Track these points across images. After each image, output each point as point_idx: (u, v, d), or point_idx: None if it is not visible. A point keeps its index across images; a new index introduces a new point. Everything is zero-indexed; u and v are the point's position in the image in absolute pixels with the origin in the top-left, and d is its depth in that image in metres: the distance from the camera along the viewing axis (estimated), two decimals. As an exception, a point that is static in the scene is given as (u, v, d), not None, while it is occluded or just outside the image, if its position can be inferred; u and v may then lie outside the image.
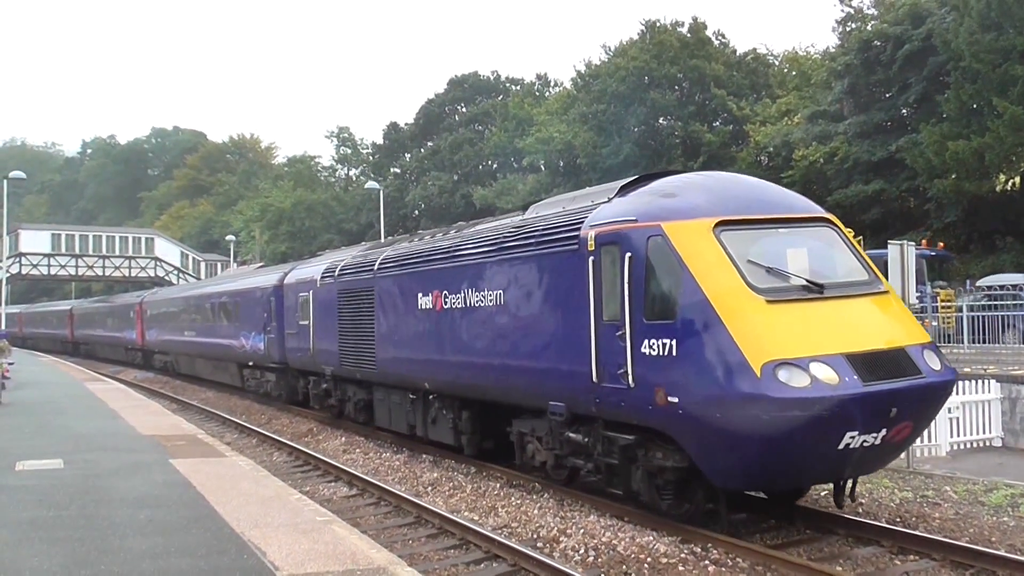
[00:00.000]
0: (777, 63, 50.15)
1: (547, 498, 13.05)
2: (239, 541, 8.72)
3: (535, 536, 11.11)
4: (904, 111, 36.76)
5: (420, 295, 15.83)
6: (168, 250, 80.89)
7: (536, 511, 12.22)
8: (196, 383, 37.03)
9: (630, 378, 10.40)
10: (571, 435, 12.03)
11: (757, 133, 41.07)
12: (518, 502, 12.89)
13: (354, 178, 77.87)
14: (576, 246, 11.49)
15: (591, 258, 11.13)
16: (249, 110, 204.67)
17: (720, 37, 50.01)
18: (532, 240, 12.67)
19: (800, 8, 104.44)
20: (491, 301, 13.54)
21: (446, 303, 14.92)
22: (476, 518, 12.18)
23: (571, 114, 49.59)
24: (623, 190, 11.67)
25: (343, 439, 20.17)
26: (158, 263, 76.67)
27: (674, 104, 46.10)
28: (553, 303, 12.07)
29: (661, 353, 10.02)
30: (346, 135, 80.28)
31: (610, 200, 11.57)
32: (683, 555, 9.97)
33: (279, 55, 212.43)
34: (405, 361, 16.63)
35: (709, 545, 10.30)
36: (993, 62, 27.67)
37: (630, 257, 10.46)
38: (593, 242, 11.16)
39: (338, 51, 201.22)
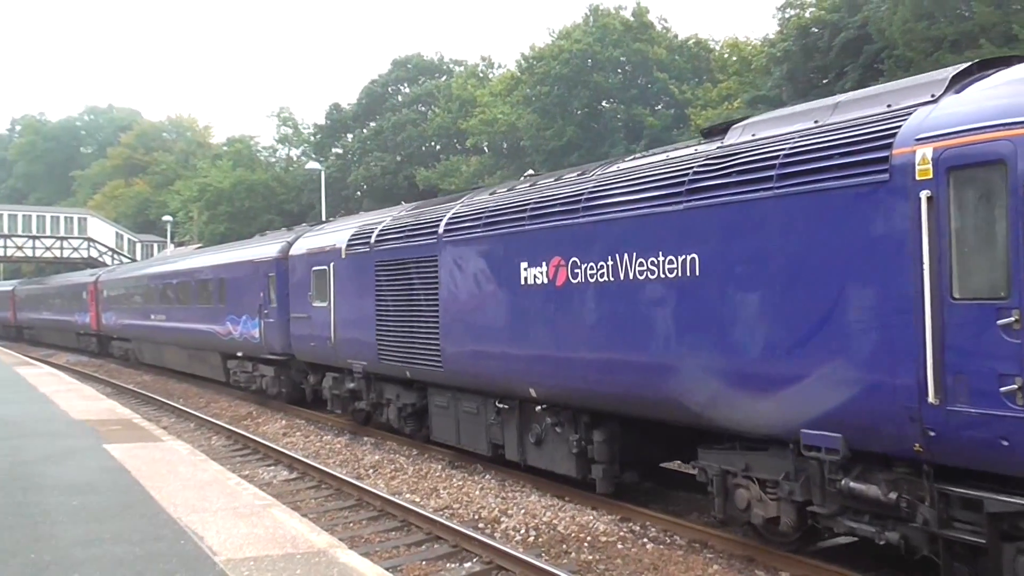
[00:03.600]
0: (718, 49, 50.07)
1: (489, 479, 13.08)
2: (176, 527, 8.52)
3: (477, 517, 11.20)
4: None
5: (524, 265, 11.31)
6: (102, 230, 78.37)
7: (478, 492, 12.34)
8: (167, 376, 32.14)
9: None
10: (854, 485, 7.64)
11: (699, 117, 40.46)
12: (460, 483, 12.93)
13: (295, 158, 76.86)
14: (882, 175, 7.11)
15: (923, 193, 6.80)
16: (187, 90, 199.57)
17: (663, 21, 50.44)
18: (761, 175, 8.18)
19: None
20: (671, 272, 9.07)
21: (573, 276, 10.45)
22: (418, 500, 12.16)
23: (515, 96, 49.30)
24: (959, 81, 7.35)
25: (283, 422, 19.95)
26: (91, 244, 74.22)
27: (617, 87, 46.27)
28: (816, 272, 7.67)
29: None
30: (287, 115, 79.05)
31: (937, 98, 7.26)
32: (622, 533, 10.14)
33: (217, 34, 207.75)
34: (494, 358, 12.06)
35: (648, 523, 10.48)
36: (925, 50, 28.12)
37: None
38: (928, 166, 6.91)
39: (279, 31, 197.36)
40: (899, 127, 7.19)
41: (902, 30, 28.81)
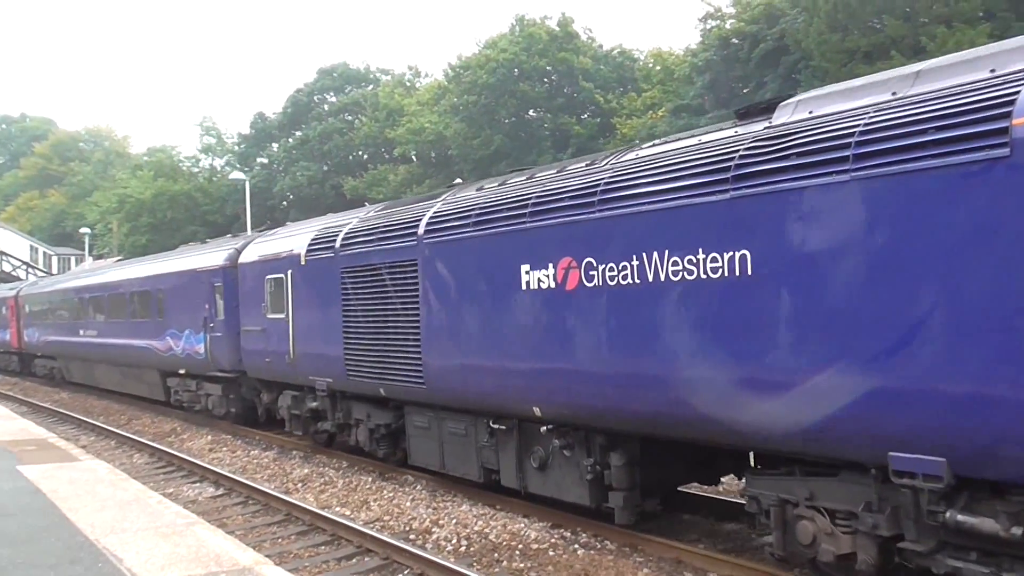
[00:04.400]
0: (642, 59, 51.52)
1: (420, 490, 13.07)
2: (94, 549, 8.21)
3: (408, 528, 11.16)
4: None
5: (526, 268, 9.95)
6: (15, 243, 75.32)
7: (409, 503, 12.32)
8: (86, 392, 30.17)
9: None
10: (963, 518, 6.43)
11: (624, 126, 41.85)
12: (391, 495, 12.87)
13: (219, 169, 75.24)
14: (1000, 150, 5.97)
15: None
16: (104, 99, 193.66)
17: (588, 32, 51.43)
18: (831, 156, 6.97)
19: (665, 7, 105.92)
20: (714, 271, 7.82)
21: (588, 279, 9.12)
22: (348, 513, 12.09)
23: (442, 105, 49.93)
24: None
25: (209, 438, 19.53)
26: (4, 258, 71.21)
27: (543, 96, 47.04)
28: (909, 267, 6.44)
29: None
30: (210, 124, 77.50)
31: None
32: (553, 540, 10.21)
33: (136, 42, 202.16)
34: (488, 373, 10.68)
35: (579, 529, 10.50)
36: (840, 61, 29.00)
37: None
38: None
39: (200, 40, 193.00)
40: (1019, 92, 5.99)
41: (818, 42, 30.05)
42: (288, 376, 16.12)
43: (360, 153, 62.65)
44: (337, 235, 14.18)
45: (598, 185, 9.21)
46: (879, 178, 6.64)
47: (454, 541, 10.43)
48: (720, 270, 7.81)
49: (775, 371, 7.39)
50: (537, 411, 10.10)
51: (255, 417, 19.47)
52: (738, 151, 7.85)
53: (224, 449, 18.03)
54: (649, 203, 8.52)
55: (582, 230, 9.27)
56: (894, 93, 7.09)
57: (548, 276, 9.69)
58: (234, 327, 18.32)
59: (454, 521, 11.14)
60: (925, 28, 26.53)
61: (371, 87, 67.37)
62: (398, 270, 12.36)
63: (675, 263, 8.22)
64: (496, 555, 9.89)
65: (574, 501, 10.24)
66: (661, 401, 8.44)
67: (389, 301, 12.60)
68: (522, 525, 10.74)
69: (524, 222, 10.05)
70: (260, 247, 17.47)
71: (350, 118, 64.68)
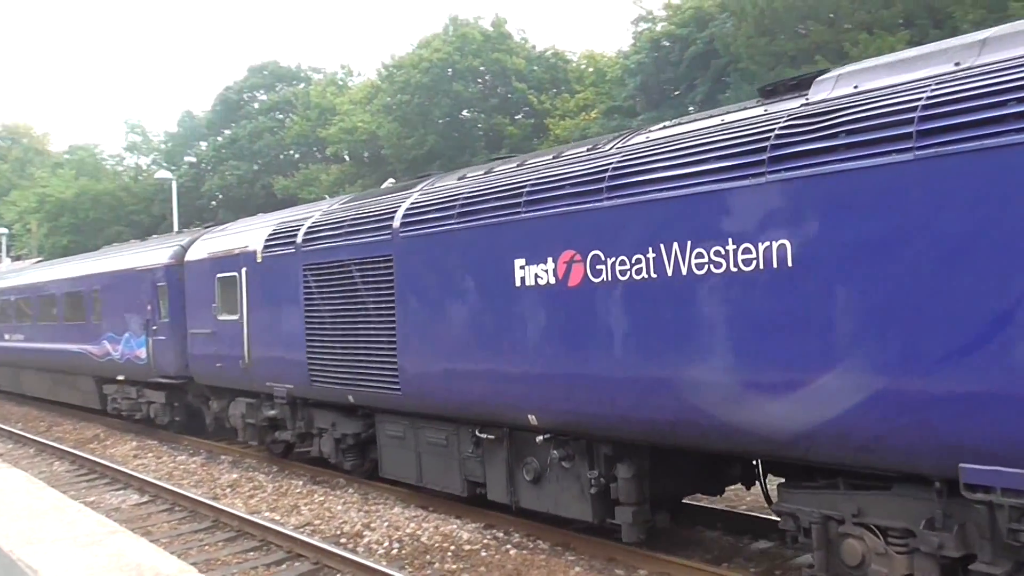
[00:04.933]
0: (575, 60, 51.22)
1: (351, 493, 12.99)
2: (7, 560, 7.80)
3: (339, 532, 11.06)
4: (691, 108, 37.82)
5: (520, 262, 9.03)
6: (-75, 245, 72.41)
7: (340, 507, 12.22)
8: (18, 402, 28.17)
9: None
10: None
11: (557, 127, 41.79)
12: (321, 499, 12.77)
13: (145, 168, 73.11)
14: None
15: None
16: (22, 96, 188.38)
17: (521, 32, 51.19)
18: (890, 134, 6.21)
19: (598, 10, 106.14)
20: (746, 264, 7.02)
21: (595, 273, 8.25)
22: (277, 518, 11.95)
23: (375, 104, 49.23)
24: None
25: (134, 443, 19.04)
26: (-85, 260, 68.17)
27: (477, 96, 46.72)
28: (990, 255, 5.71)
29: None
30: (135, 122, 75.49)
31: None
32: (486, 540, 10.23)
33: (56, 37, 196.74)
34: (476, 378, 9.75)
35: (512, 529, 10.51)
36: (768, 64, 29.58)
37: None
38: None
39: (124, 35, 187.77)
40: None
41: (746, 45, 30.59)
42: (242, 382, 14.95)
43: (291, 152, 61.10)
44: (298, 229, 13.10)
45: (606, 171, 8.37)
46: (951, 156, 5.91)
47: (386, 544, 10.34)
48: (754, 262, 7.02)
49: (821, 373, 6.63)
50: (533, 419, 9.21)
51: (202, 426, 18.22)
52: (773, 131, 7.08)
53: (149, 455, 17.54)
54: (668, 189, 7.71)
55: (588, 220, 8.41)
56: (957, 64, 6.37)
57: (547, 271, 8.81)
58: (180, 330, 17.06)
59: (386, 524, 11.10)
60: (848, 34, 27.18)
61: (302, 85, 65.87)
62: (370, 266, 11.35)
63: (699, 255, 7.42)
64: (428, 557, 9.84)
65: (574, 517, 9.37)
66: (682, 408, 7.62)
67: (359, 300, 11.57)
68: (455, 526, 10.78)
69: (519, 212, 9.16)
70: (209, 244, 16.25)
71: (281, 117, 63.06)
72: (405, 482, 11.89)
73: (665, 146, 8.01)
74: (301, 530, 11.10)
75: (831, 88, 7.18)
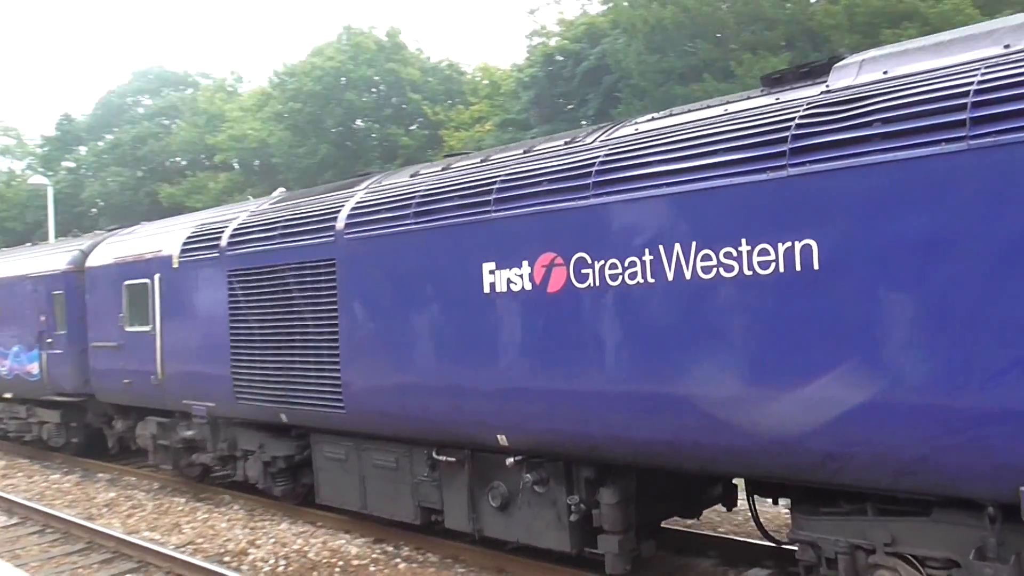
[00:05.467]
0: (470, 72, 52.06)
1: (236, 510, 12.75)
2: None
3: (223, 550, 10.81)
4: (584, 123, 39.59)
5: (490, 267, 8.17)
6: None
7: (224, 524, 12.00)
8: None
9: None
10: None
11: (451, 138, 41.89)
12: (204, 516, 12.53)
13: (19, 173, 69.80)
14: None
15: None
16: None
17: (416, 43, 52.86)
18: (935, 122, 5.61)
19: (494, 23, 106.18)
20: (763, 266, 6.31)
21: (579, 278, 7.46)
22: (158, 537, 11.63)
23: (265, 112, 48.78)
24: None
25: (2, 463, 18.15)
26: None
27: (371, 106, 46.83)
28: None
29: None
30: (7, 124, 72.09)
31: None
32: (375, 555, 10.16)
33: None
34: (439, 394, 8.76)
35: (402, 543, 10.46)
36: (657, 81, 30.54)
37: None
38: None
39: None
40: None
41: (636, 62, 31.49)
42: (154, 400, 13.58)
43: (178, 159, 59.26)
44: (222, 232, 11.89)
45: (592, 165, 7.58)
46: (1014, 145, 5.29)
47: (271, 562, 10.16)
48: (772, 264, 6.33)
49: (853, 388, 5.97)
50: (503, 439, 8.32)
51: (104, 447, 16.67)
52: (793, 120, 6.41)
53: (19, 475, 16.76)
54: (669, 185, 6.96)
55: (570, 219, 7.61)
56: (1007, 46, 5.80)
57: (522, 276, 7.96)
58: (79, 343, 15.53)
59: (272, 540, 10.97)
60: (734, 53, 28.06)
61: (190, 91, 64.26)
62: (309, 272, 10.28)
63: (706, 257, 6.69)
64: (316, 573, 9.73)
65: (548, 547, 8.50)
66: (685, 426, 6.87)
67: (295, 309, 10.49)
68: (343, 541, 10.73)
69: (488, 211, 8.28)
70: (115, 248, 14.81)
71: (167, 122, 61.52)
72: (347, 509, 10.85)
73: (664, 138, 7.27)
74: (182, 549, 10.78)
75: (855, 74, 6.55)
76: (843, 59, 6.90)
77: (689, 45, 30.53)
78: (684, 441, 6.94)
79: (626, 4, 34.05)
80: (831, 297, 6.06)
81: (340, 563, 9.89)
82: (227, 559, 10.42)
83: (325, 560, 10.04)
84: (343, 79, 45.75)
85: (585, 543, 8.22)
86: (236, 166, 52.03)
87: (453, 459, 9.13)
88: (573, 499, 8.10)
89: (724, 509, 9.12)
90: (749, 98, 7.29)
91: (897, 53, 6.47)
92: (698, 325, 6.76)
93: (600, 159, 7.55)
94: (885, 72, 6.32)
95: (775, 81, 7.28)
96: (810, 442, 6.24)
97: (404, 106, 46.92)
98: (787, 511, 10.23)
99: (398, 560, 9.89)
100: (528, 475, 8.34)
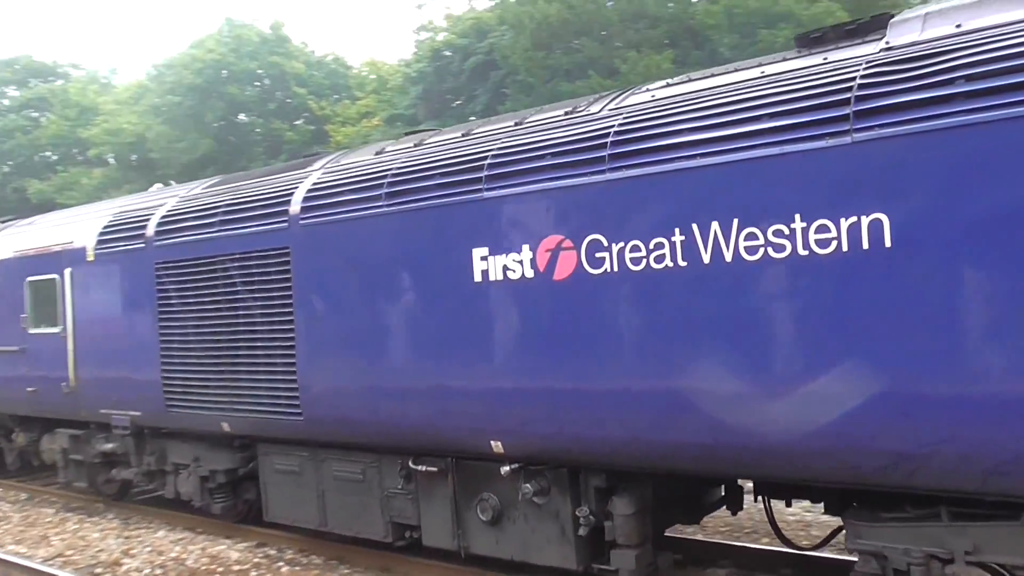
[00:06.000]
0: (357, 67, 52.25)
1: (111, 519, 12.30)
2: None
3: (95, 562, 10.33)
4: (472, 118, 41.83)
5: (481, 252, 7.23)
6: None
7: (97, 534, 11.52)
8: None
9: None
10: None
11: (338, 133, 41.64)
12: (75, 527, 12.00)
13: None
14: None
15: None
16: None
17: (301, 36, 52.02)
18: None
19: (382, 18, 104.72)
20: (822, 245, 5.57)
21: (593, 263, 6.60)
22: (24, 551, 11.03)
23: (143, 105, 47.52)
24: None
25: None
26: None
27: (255, 100, 46.13)
28: None
29: None
30: None
31: None
32: (257, 560, 9.91)
33: None
34: (420, 397, 7.76)
35: (284, 546, 10.26)
36: (544, 77, 30.97)
37: None
38: None
39: None
40: None
41: (524, 58, 31.87)
42: (65, 410, 12.11)
43: (48, 154, 56.78)
44: (148, 220, 10.56)
45: (607, 135, 6.73)
46: None
47: (147, 571, 9.79)
48: (833, 243, 5.60)
49: (936, 380, 5.29)
50: (498, 446, 7.40)
51: (1, 463, 14.96)
52: (854, 79, 5.68)
53: None
54: (703, 155, 6.16)
55: (582, 197, 6.74)
56: None
57: (521, 262, 7.05)
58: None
59: (148, 549, 10.54)
60: (619, 51, 28.70)
61: (60, 82, 61.32)
62: (257, 262, 9.11)
63: (752, 236, 5.92)
64: None
65: (552, 564, 7.60)
66: (727, 427, 6.09)
67: (240, 305, 9.30)
68: (224, 546, 10.39)
69: (479, 191, 7.34)
70: (16, 239, 13.22)
71: (36, 115, 58.57)
72: (301, 527, 9.77)
73: (697, 103, 6.46)
74: (51, 562, 10.29)
75: (919, 29, 5.87)
76: (897, 14, 6.22)
77: (575, 42, 30.98)
78: (725, 444, 6.17)
79: (513, 0, 34.48)
80: (906, 277, 5.37)
81: (220, 569, 9.58)
82: (99, 570, 9.96)
83: (204, 567, 9.70)
84: (224, 72, 44.72)
85: (593, 559, 7.37)
86: (112, 161, 50.08)
87: (435, 469, 8.13)
88: (582, 511, 7.25)
89: (730, 514, 8.37)
90: (786, 59, 6.54)
91: (970, 5, 5.79)
92: (741, 312, 5.99)
93: (616, 128, 6.70)
94: (958, 26, 5.65)
95: (815, 41, 6.57)
96: (880, 442, 5.54)
97: (289, 100, 46.24)
98: (802, 514, 9.71)
99: (281, 563, 9.67)
100: (527, 485, 7.42)
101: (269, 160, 40.54)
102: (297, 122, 46.45)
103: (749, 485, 7.86)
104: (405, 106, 40.56)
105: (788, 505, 7.91)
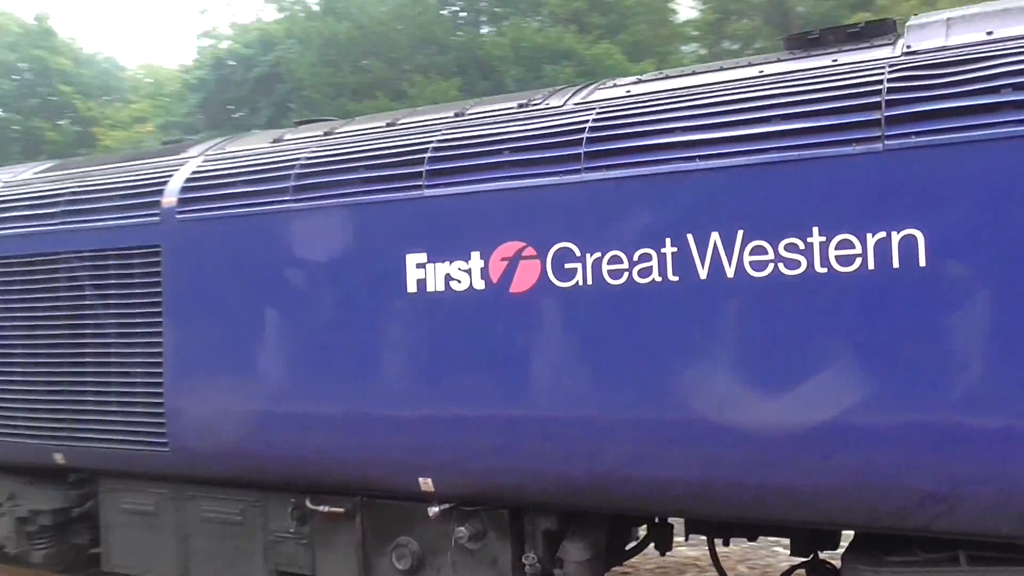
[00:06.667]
0: (132, 69, 51.74)
1: None
2: None
3: None
4: (254, 131, 40.63)
5: (418, 259, 6.26)
6: None
7: None
8: None
9: None
10: None
11: (107, 137, 40.61)
12: None
13: None
14: None
15: None
16: None
17: (69, 31, 50.00)
18: None
19: (162, 20, 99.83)
20: (844, 262, 5.03)
21: (560, 275, 5.79)
22: None
23: None
24: None
25: None
26: None
27: (13, 94, 44.52)
28: None
29: None
30: None
31: None
32: None
33: None
34: (332, 425, 6.67)
35: None
36: (330, 94, 31.29)
37: None
38: None
39: None
40: None
41: (310, 73, 32.39)
42: None
43: None
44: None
45: (581, 131, 5.94)
46: None
47: None
48: (858, 260, 5.07)
49: (974, 413, 4.86)
50: (427, 484, 6.40)
51: None
52: (880, 82, 5.20)
53: None
54: (701, 158, 5.51)
55: (549, 199, 5.91)
56: None
57: (470, 271, 6.12)
58: None
59: None
60: (407, 75, 29.40)
61: None
62: (114, 262, 7.63)
63: (759, 250, 5.30)
64: None
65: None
66: (721, 461, 5.44)
67: (88, 313, 7.74)
68: None
69: (417, 187, 6.36)
70: None
71: None
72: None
73: (691, 99, 5.78)
74: None
75: (943, 34, 5.46)
76: (911, 18, 5.81)
77: (364, 62, 31.66)
78: (719, 480, 5.49)
79: (302, 15, 34.94)
80: (943, 300, 4.89)
81: None
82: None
83: None
84: None
85: (534, 611, 6.48)
86: None
87: (340, 509, 6.97)
88: (528, 557, 6.34)
89: (658, 553, 7.69)
90: (781, 60, 5.99)
91: (998, 12, 5.44)
92: (742, 333, 5.36)
93: (592, 124, 5.93)
94: (989, 33, 5.27)
95: (811, 42, 6.04)
96: (907, 479, 5.02)
97: (53, 98, 44.10)
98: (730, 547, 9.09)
99: None
100: (462, 528, 6.44)
101: (27, 160, 38.35)
102: (61, 122, 44.33)
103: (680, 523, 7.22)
104: (183, 113, 39.46)
105: (726, 544, 7.32)
